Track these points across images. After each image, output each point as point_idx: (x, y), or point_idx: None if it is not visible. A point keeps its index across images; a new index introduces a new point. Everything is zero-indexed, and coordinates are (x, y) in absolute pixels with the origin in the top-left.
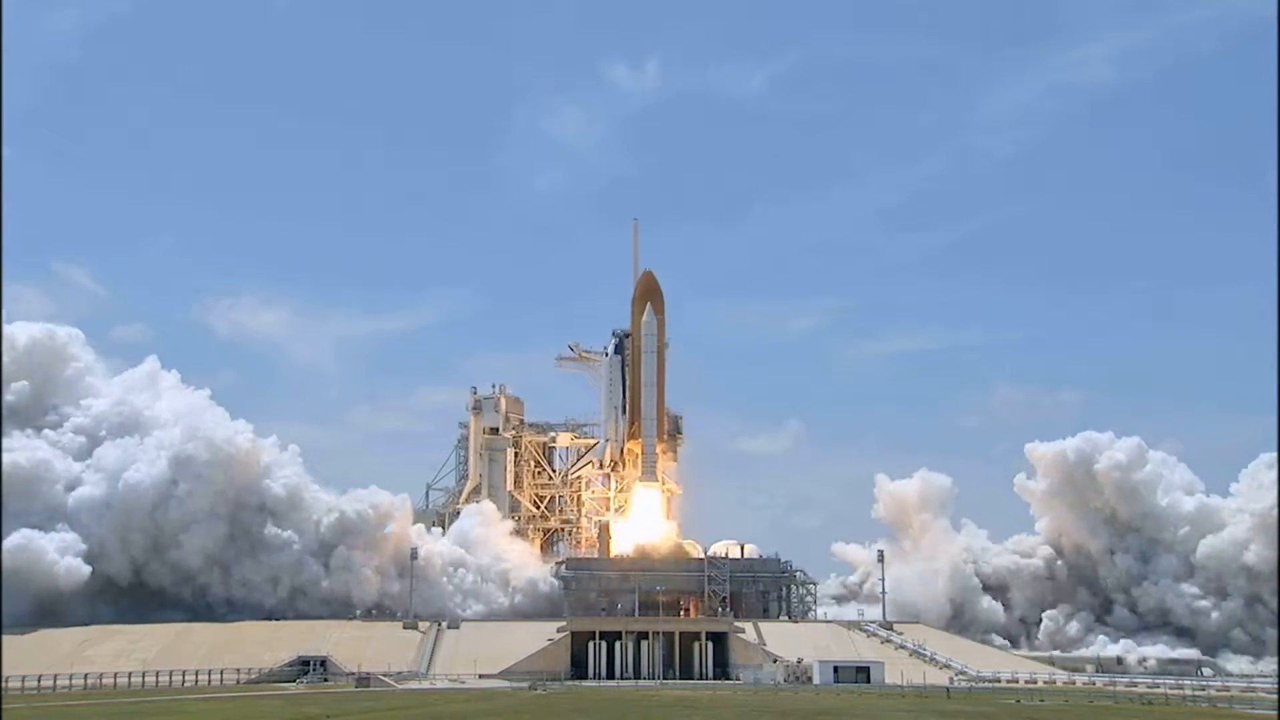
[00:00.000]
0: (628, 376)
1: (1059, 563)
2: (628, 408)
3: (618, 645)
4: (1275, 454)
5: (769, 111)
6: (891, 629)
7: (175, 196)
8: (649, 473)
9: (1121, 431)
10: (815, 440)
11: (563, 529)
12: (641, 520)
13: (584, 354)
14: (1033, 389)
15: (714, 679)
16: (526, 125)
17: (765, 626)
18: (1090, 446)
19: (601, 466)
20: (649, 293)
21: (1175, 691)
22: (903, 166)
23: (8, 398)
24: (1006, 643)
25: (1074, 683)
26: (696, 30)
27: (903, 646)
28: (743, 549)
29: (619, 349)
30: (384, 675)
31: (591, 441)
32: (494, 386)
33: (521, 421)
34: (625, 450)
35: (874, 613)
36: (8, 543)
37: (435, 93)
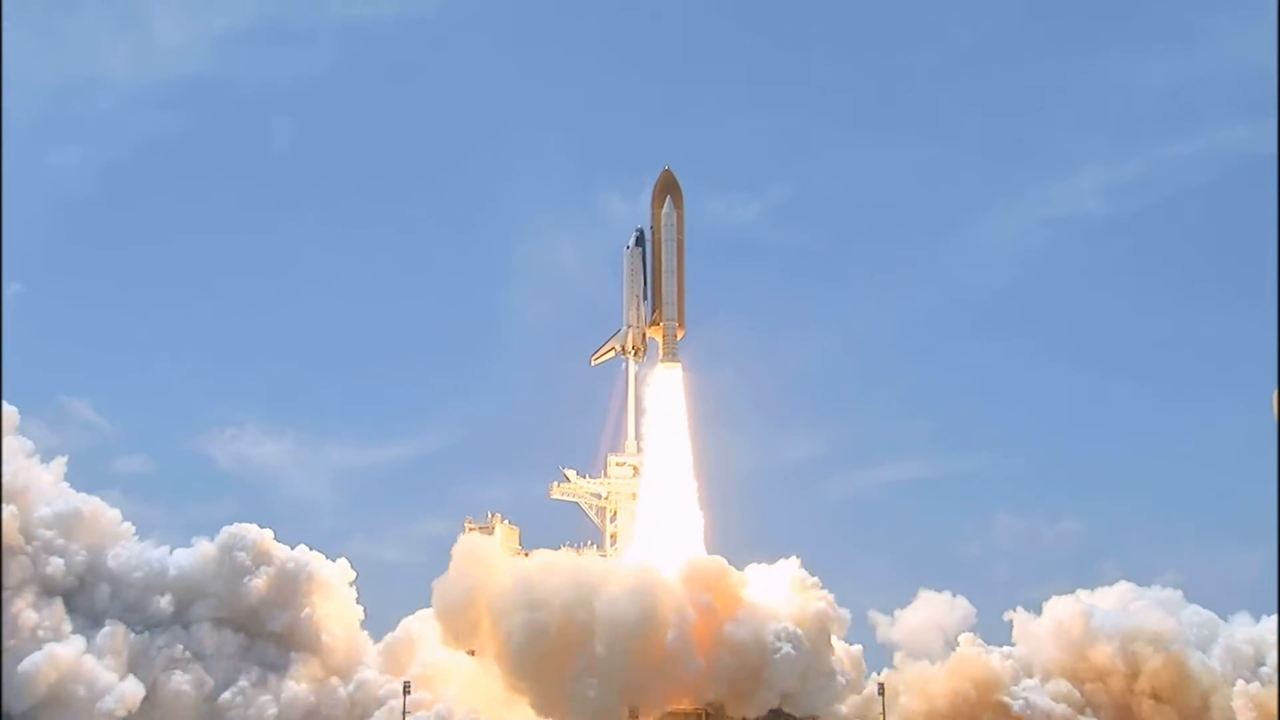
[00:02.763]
0: (649, 267)
1: None
2: (649, 294)
3: None
4: None
5: (763, 241)
6: None
7: (180, 330)
8: (670, 353)
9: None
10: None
11: None
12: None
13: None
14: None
15: None
16: (524, 256)
17: None
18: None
19: (623, 350)
20: (668, 187)
21: None
22: (892, 298)
23: None
24: None
25: None
26: (695, 164)
27: None
28: None
29: (639, 241)
30: None
31: None
32: (489, 515)
33: (519, 550)
34: (646, 336)
35: None
36: None
37: (432, 223)
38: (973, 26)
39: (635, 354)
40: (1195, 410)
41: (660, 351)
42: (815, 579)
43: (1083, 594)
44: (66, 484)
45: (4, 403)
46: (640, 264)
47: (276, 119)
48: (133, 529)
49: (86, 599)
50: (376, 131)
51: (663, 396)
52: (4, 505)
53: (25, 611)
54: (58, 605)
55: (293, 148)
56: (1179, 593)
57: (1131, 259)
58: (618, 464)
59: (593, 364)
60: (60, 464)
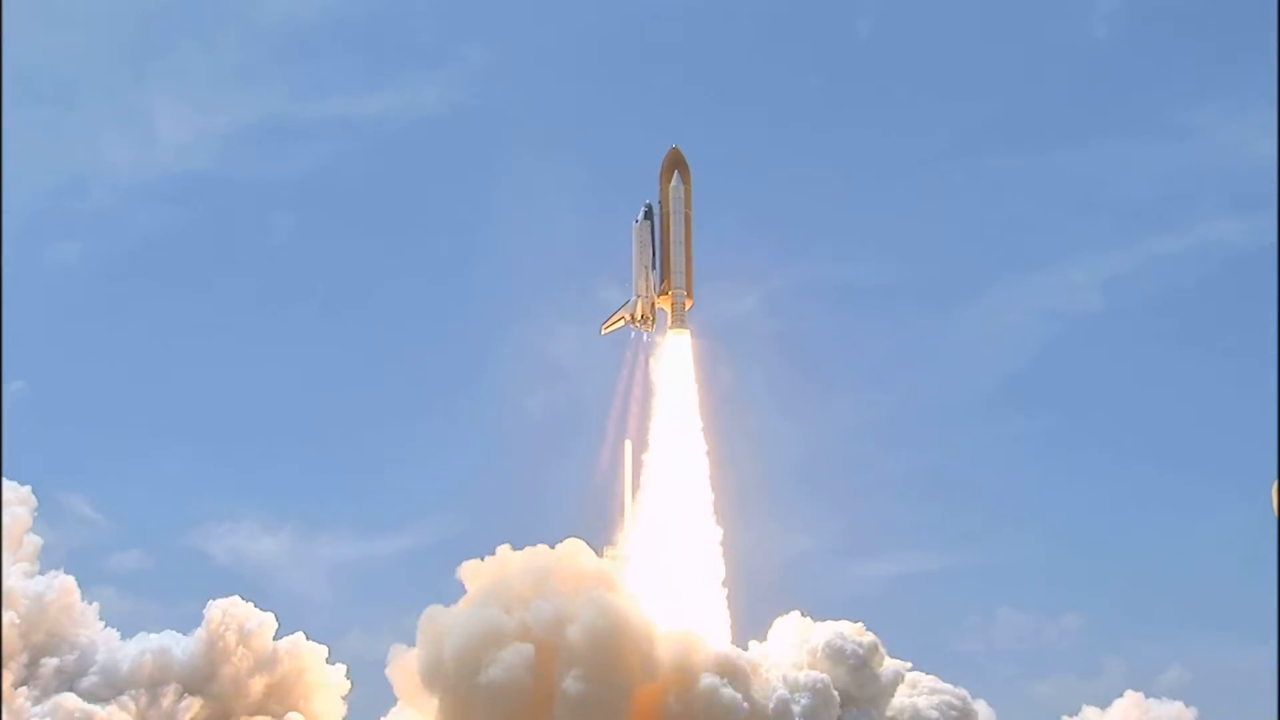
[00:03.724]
0: (657, 240)
1: None
2: (658, 264)
3: None
4: None
5: (759, 329)
6: None
7: (177, 422)
8: (679, 320)
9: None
10: None
11: None
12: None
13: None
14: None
15: None
16: (518, 345)
17: None
18: None
19: (633, 320)
20: (676, 163)
21: None
22: (888, 387)
23: None
24: None
25: None
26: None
27: None
28: None
29: (648, 215)
30: None
31: None
32: None
33: None
34: (655, 306)
35: None
36: None
37: (433, 316)
38: (959, 114)
39: (645, 322)
40: (1195, 503)
41: (669, 320)
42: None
43: (1090, 712)
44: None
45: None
46: (649, 237)
47: (276, 213)
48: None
49: None
50: (376, 225)
51: (672, 364)
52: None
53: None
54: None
55: (292, 241)
56: (1192, 711)
57: (1128, 352)
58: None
59: (603, 333)
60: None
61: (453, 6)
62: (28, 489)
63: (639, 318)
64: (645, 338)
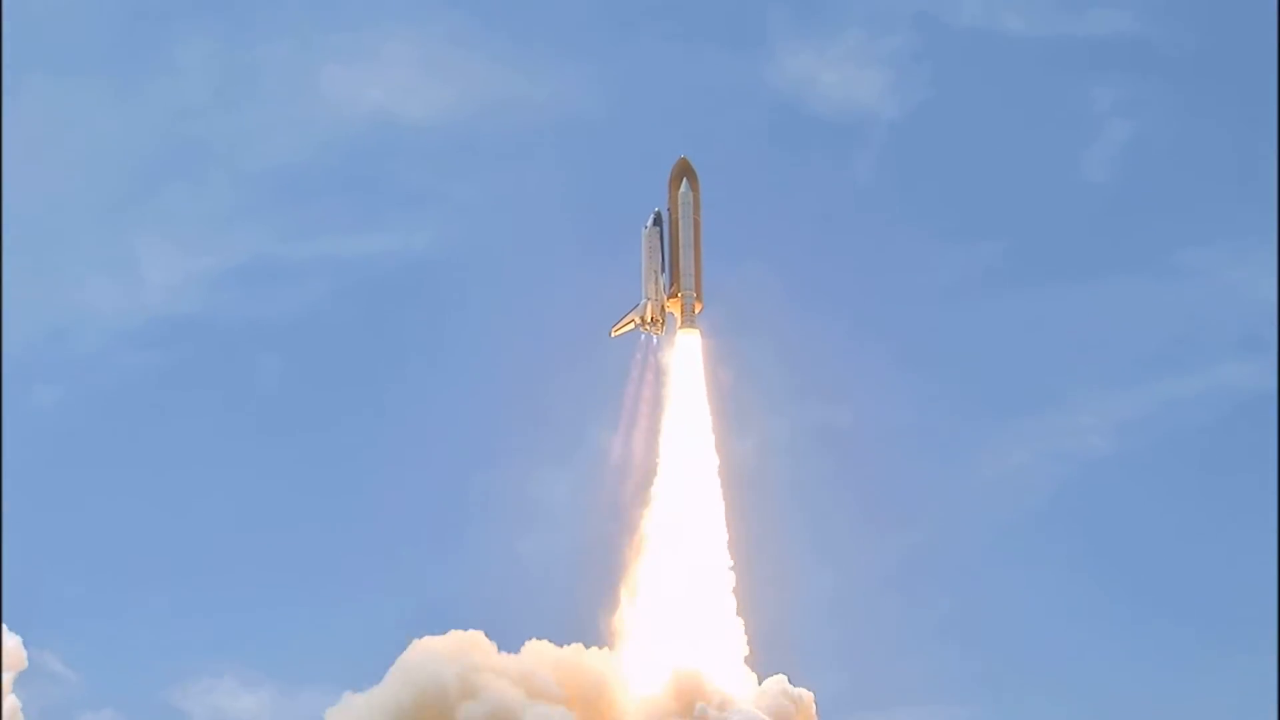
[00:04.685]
0: (666, 245)
1: None
2: (667, 267)
3: None
4: None
5: (761, 469)
6: None
7: (154, 577)
8: (689, 320)
9: None
10: None
11: None
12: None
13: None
14: None
15: None
16: (511, 490)
17: None
18: None
19: (642, 322)
20: (684, 172)
21: None
22: (889, 534)
23: None
24: None
25: None
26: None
27: None
28: None
29: (657, 222)
30: None
31: None
32: None
33: None
34: (664, 308)
35: None
36: None
37: (419, 464)
38: (961, 255)
39: (654, 325)
40: (1202, 653)
41: (679, 322)
42: None
43: None
44: None
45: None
46: (658, 242)
47: (263, 356)
48: None
49: None
50: (367, 368)
51: (682, 364)
52: None
53: None
54: None
55: (280, 385)
56: None
57: (1143, 496)
58: None
59: (612, 335)
60: None
61: (445, 147)
62: (17, 640)
63: (649, 320)
64: (655, 340)
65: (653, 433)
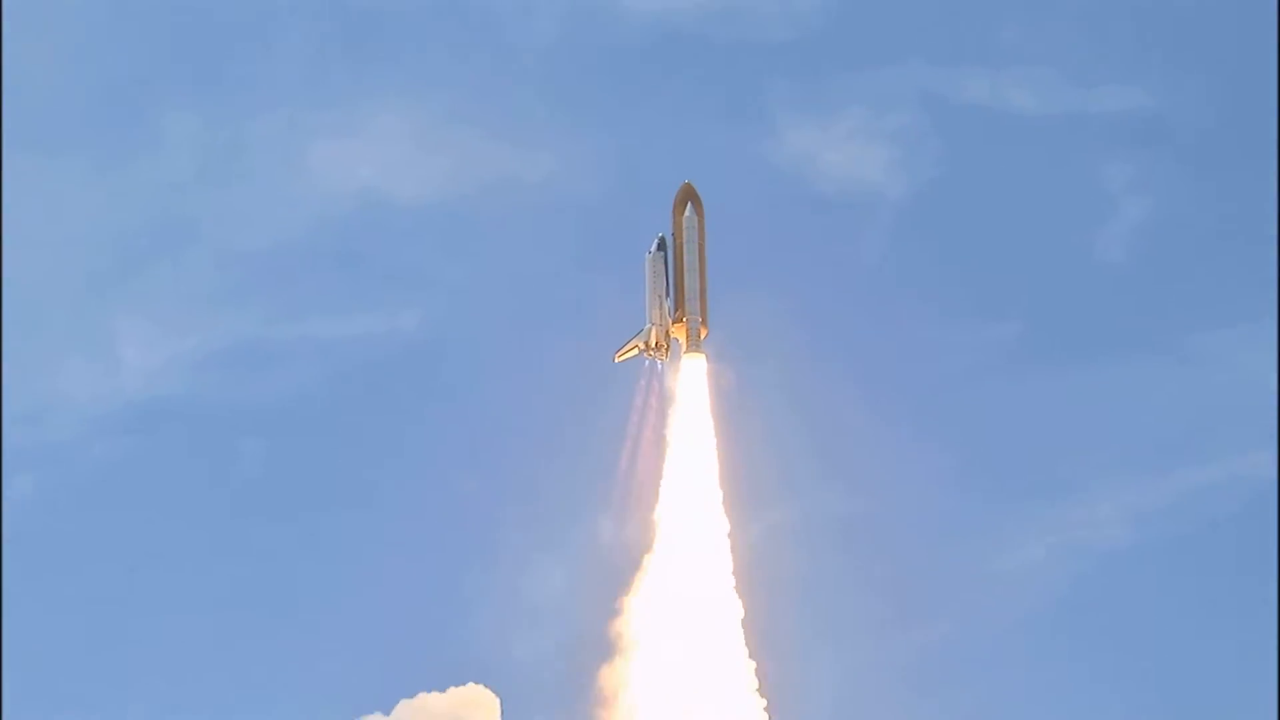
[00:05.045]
0: (670, 270)
1: None
2: (672, 292)
3: None
4: None
5: (768, 558)
6: None
7: (137, 668)
8: (694, 344)
9: None
10: None
11: None
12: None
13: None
14: None
15: None
16: (504, 580)
17: None
18: None
19: (647, 348)
20: (689, 197)
21: None
22: (900, 629)
23: None
24: None
25: None
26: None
27: None
28: None
29: (661, 247)
30: None
31: None
32: None
33: None
34: (670, 333)
35: None
36: None
37: (412, 549)
38: (967, 339)
39: (659, 350)
40: None
41: (683, 347)
42: None
43: None
44: None
45: None
46: (663, 267)
47: (246, 441)
48: None
49: None
50: (354, 453)
51: (687, 389)
52: None
53: None
54: None
55: (263, 472)
56: None
57: (1158, 592)
58: None
59: (616, 360)
60: None
61: (437, 226)
62: None
63: (653, 345)
64: (660, 366)
65: (651, 509)
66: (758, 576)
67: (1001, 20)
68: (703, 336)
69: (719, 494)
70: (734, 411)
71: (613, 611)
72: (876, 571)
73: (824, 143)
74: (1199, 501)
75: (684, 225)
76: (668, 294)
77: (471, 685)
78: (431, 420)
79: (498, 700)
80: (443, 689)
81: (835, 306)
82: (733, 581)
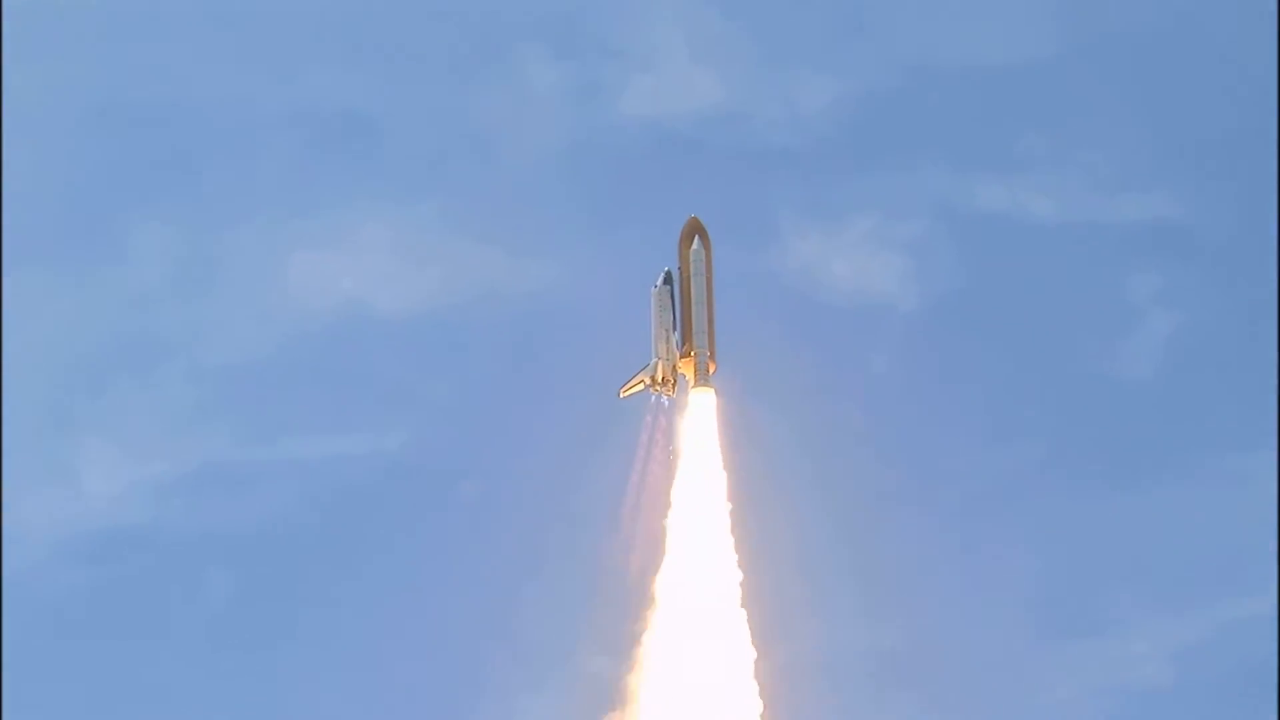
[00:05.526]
0: (677, 304)
1: None
2: (679, 325)
3: None
4: None
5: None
6: None
7: None
8: (702, 378)
9: None
10: None
11: None
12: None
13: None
14: None
15: None
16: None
17: None
18: None
19: (653, 383)
20: (695, 230)
21: None
22: None
23: None
24: None
25: None
26: None
27: None
28: None
29: (667, 281)
30: None
31: None
32: None
33: None
34: (676, 368)
35: None
36: None
37: (384, 689)
38: (987, 462)
39: (665, 385)
40: None
41: (691, 382)
42: None
43: None
44: None
45: None
46: (669, 300)
47: (214, 571)
48: None
49: None
50: (329, 584)
51: (695, 423)
52: None
53: None
54: None
55: (231, 603)
56: None
57: None
58: None
59: (621, 396)
60: None
61: (424, 340)
62: None
63: (659, 381)
64: (667, 402)
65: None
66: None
67: (1018, 125)
68: (711, 371)
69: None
70: (744, 454)
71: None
72: (899, 711)
73: (832, 251)
74: (1241, 635)
75: (691, 258)
76: (675, 328)
77: None
78: (415, 548)
79: None
80: None
81: (842, 426)
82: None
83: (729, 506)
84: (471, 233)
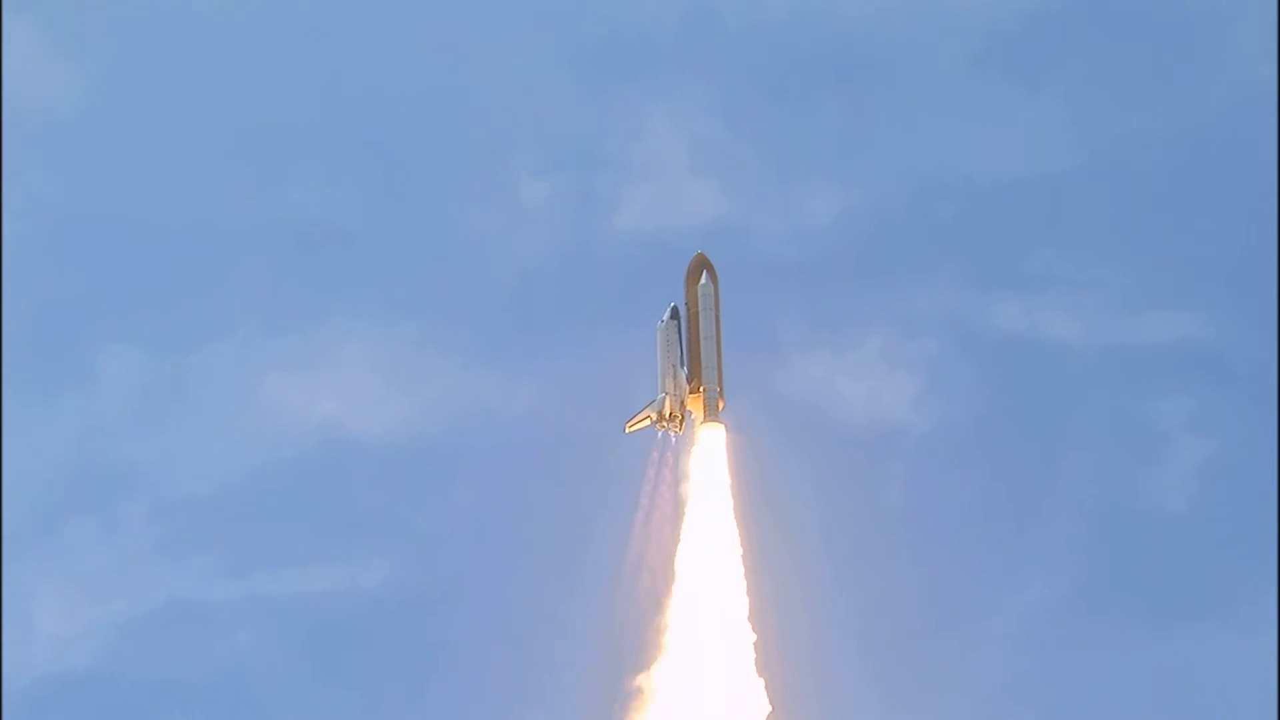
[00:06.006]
0: (684, 339)
1: None
2: (686, 362)
3: None
4: None
5: None
6: None
7: None
8: (712, 413)
9: None
10: None
11: None
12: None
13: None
14: None
15: None
16: None
17: None
18: None
19: (659, 419)
20: (702, 266)
21: None
22: None
23: None
24: None
25: None
26: None
27: None
28: None
29: (674, 316)
30: None
31: None
32: None
33: None
34: (685, 404)
35: None
36: None
37: None
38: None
39: (672, 422)
40: None
41: (701, 417)
42: None
43: None
44: None
45: None
46: (676, 335)
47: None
48: None
49: None
50: None
51: (706, 460)
52: None
53: None
54: None
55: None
56: None
57: None
58: None
59: (627, 431)
60: None
61: (406, 467)
62: None
63: (666, 416)
64: (674, 439)
65: None
66: None
67: (1035, 240)
68: (720, 408)
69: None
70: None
71: None
72: None
73: (841, 372)
74: None
75: (699, 294)
76: (682, 363)
77: None
78: (398, 692)
79: None
80: None
81: (853, 556)
82: None
83: (742, 563)
84: (458, 353)
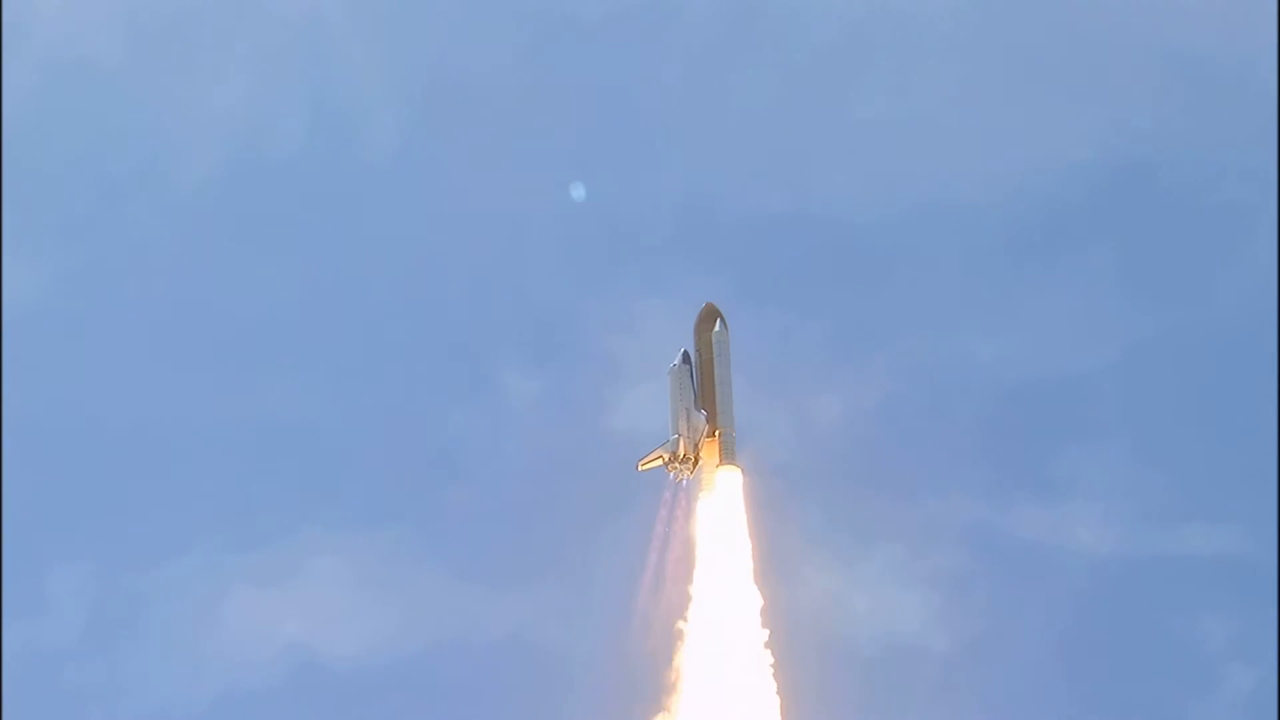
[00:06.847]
0: (696, 383)
1: None
2: (698, 405)
3: None
4: None
5: None
6: None
7: None
8: (728, 456)
9: None
10: None
11: None
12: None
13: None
14: None
15: None
16: None
17: None
18: None
19: (673, 460)
20: (713, 314)
21: None
22: None
23: None
24: None
25: None
26: None
27: None
28: None
29: (685, 360)
30: None
31: None
32: None
33: None
34: (700, 446)
35: None
36: None
37: None
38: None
39: (685, 463)
40: None
41: (718, 457)
42: None
43: None
44: None
45: None
46: (688, 379)
47: None
48: None
49: None
50: None
51: (720, 503)
52: None
53: None
54: None
55: None
56: None
57: None
58: None
59: (640, 469)
60: None
61: (379, 691)
62: None
63: (680, 458)
64: (685, 482)
65: None
66: None
67: (1059, 443)
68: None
69: None
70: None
71: None
72: None
73: (851, 586)
74: None
75: (713, 340)
76: (696, 407)
77: None
78: None
79: None
80: None
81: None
82: None
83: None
84: (438, 565)
